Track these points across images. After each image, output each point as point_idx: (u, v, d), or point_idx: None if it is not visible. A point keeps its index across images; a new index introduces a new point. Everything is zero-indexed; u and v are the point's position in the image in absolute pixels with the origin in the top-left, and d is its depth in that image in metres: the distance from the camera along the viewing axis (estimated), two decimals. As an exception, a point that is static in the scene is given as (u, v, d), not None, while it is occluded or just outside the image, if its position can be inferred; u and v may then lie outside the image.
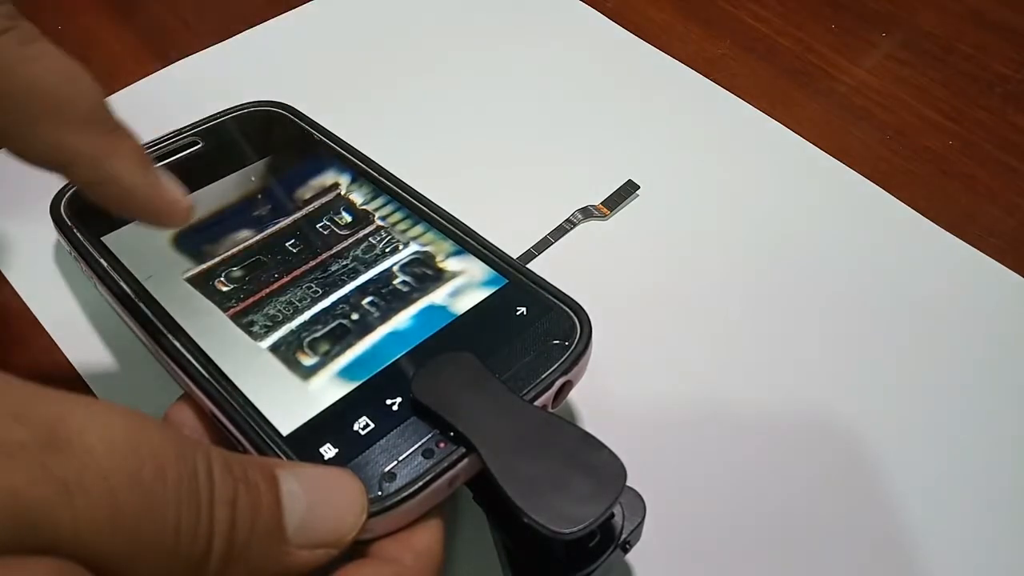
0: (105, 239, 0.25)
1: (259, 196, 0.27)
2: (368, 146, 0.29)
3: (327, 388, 0.22)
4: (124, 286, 0.24)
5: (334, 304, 0.24)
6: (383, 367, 0.22)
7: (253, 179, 0.28)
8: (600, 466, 0.19)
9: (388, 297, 0.24)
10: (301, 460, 0.20)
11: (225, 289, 0.24)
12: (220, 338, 0.23)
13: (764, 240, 0.32)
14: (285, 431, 0.21)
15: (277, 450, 0.20)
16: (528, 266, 0.25)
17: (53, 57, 0.19)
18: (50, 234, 0.26)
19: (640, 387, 0.28)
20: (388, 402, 0.21)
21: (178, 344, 0.23)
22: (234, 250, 0.25)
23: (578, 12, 0.41)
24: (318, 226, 0.26)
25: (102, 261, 0.25)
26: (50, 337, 0.28)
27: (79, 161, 0.20)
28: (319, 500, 0.18)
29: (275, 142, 0.29)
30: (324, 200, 0.27)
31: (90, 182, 0.20)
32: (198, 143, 0.29)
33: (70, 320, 0.28)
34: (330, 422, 0.21)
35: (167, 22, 0.39)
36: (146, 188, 0.20)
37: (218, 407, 0.21)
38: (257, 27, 0.39)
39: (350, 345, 0.23)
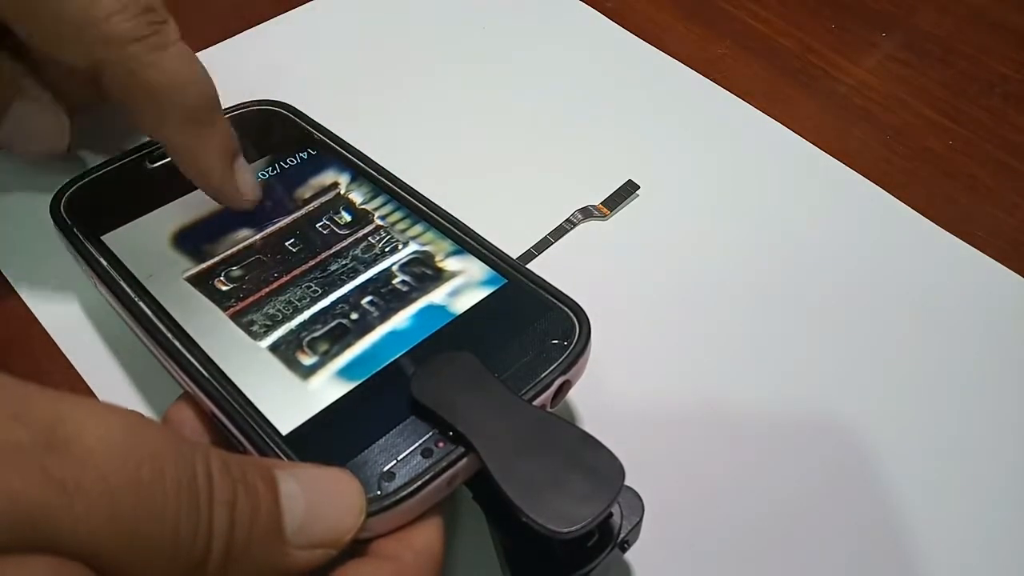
0: (105, 238, 0.25)
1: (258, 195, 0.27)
2: (368, 146, 0.29)
3: (326, 387, 0.22)
4: (124, 285, 0.24)
5: (333, 303, 0.24)
6: (382, 367, 0.22)
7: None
8: (598, 466, 0.19)
9: (387, 297, 0.24)
10: (300, 459, 0.20)
11: (225, 288, 0.24)
12: (220, 337, 0.23)
13: (764, 240, 0.32)
14: (284, 430, 0.21)
15: (276, 449, 0.20)
16: (528, 266, 0.25)
17: (171, 62, 0.24)
18: (50, 234, 0.26)
19: (639, 387, 0.28)
20: (387, 401, 0.21)
21: (178, 343, 0.23)
22: (234, 249, 0.25)
23: (578, 12, 0.41)
24: (318, 225, 0.26)
25: (102, 260, 0.25)
26: (50, 337, 0.28)
27: (176, 150, 0.25)
28: (318, 501, 0.18)
29: (275, 142, 0.29)
30: (324, 199, 0.27)
31: (183, 167, 0.25)
32: None
33: (70, 320, 0.28)
34: (329, 421, 0.21)
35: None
36: (222, 179, 0.25)
37: (217, 406, 0.21)
38: (257, 27, 0.39)
39: (349, 344, 0.23)
